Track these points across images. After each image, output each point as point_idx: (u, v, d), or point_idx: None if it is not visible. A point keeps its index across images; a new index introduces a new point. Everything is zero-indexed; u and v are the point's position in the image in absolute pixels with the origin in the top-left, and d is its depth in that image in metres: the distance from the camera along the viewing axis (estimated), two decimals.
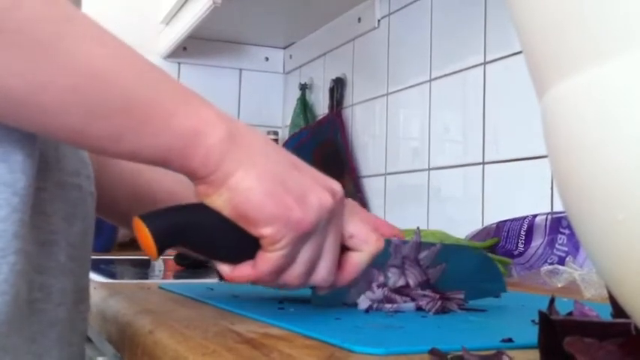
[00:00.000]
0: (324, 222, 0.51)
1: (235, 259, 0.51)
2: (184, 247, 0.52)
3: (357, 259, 0.56)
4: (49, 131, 0.44)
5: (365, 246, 0.57)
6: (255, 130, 0.51)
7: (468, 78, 1.40)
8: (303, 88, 2.13)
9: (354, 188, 1.76)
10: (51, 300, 0.50)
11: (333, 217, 0.52)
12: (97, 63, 0.43)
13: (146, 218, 0.49)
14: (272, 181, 0.48)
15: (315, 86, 2.12)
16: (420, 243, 0.64)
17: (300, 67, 2.20)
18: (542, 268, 0.90)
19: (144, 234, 0.48)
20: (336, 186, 0.53)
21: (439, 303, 0.63)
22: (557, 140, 0.28)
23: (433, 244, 0.65)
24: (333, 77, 1.94)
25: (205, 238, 0.51)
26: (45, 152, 0.50)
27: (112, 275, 1.00)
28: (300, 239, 0.50)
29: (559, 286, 0.86)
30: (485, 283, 0.67)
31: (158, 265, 1.28)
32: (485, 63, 1.35)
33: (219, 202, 0.48)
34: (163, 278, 1.07)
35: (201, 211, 0.49)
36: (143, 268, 1.26)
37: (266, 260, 0.50)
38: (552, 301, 0.38)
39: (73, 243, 0.53)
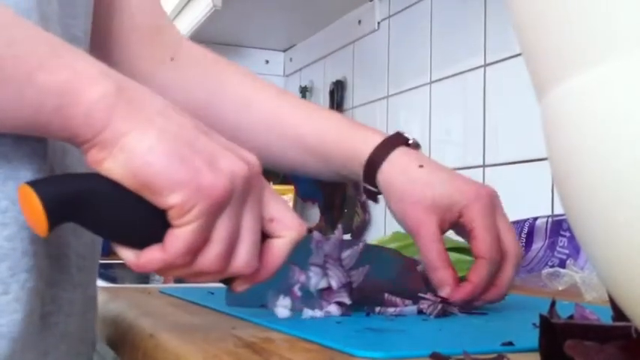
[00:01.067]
0: (239, 193, 0.44)
1: (142, 243, 0.43)
2: (82, 224, 0.43)
3: (279, 246, 0.47)
4: None
5: (287, 231, 0.47)
6: (155, 93, 0.44)
7: (469, 80, 1.40)
8: (304, 90, 2.13)
9: (354, 191, 1.76)
10: (62, 312, 0.50)
11: (249, 190, 0.45)
12: None
13: (37, 185, 0.40)
14: (175, 142, 0.41)
15: (315, 89, 2.12)
16: (342, 240, 0.61)
17: (300, 69, 2.20)
18: (542, 271, 0.90)
19: (32, 204, 0.40)
20: (252, 158, 0.46)
21: (440, 306, 0.62)
22: (558, 140, 0.27)
23: (356, 243, 0.62)
24: (334, 80, 1.94)
25: (107, 213, 0.42)
26: (52, 164, 0.48)
27: (112, 279, 1.00)
28: (214, 211, 0.42)
29: (560, 288, 0.86)
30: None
31: None
32: (485, 65, 1.35)
33: (116, 169, 0.41)
34: (164, 282, 1.07)
35: (102, 181, 0.42)
36: (144, 272, 1.26)
37: (176, 238, 0.42)
38: (553, 304, 0.38)
39: (82, 254, 0.52)
